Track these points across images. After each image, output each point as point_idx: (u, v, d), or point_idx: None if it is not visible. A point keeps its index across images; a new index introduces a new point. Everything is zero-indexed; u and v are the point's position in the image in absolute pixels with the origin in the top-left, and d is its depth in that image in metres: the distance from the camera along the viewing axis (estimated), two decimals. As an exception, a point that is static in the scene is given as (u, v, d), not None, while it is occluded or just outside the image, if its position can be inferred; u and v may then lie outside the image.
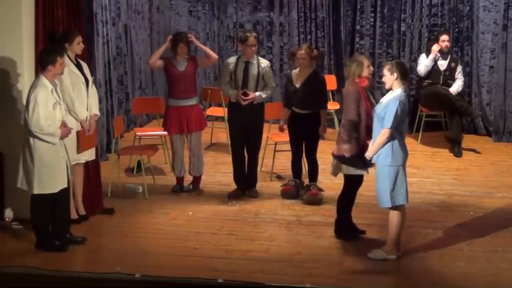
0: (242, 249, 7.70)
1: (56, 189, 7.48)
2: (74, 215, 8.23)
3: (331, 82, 11.65)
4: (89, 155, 8.32)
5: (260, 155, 9.54)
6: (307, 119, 8.95)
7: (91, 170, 8.52)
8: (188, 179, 9.46)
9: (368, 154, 7.36)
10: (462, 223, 8.40)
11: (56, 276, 6.98)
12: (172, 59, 9.21)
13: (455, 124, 11.11)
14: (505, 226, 8.27)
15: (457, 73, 11.38)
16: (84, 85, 8.08)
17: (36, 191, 7.45)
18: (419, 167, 10.28)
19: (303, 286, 6.81)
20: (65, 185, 7.60)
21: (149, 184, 9.32)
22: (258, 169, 9.53)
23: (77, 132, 7.99)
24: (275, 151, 9.97)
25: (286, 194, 9.16)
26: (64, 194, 7.62)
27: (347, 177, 7.82)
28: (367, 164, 7.54)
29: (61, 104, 7.54)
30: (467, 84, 12.00)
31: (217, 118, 11.78)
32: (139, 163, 9.79)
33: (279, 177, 9.84)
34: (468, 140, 11.49)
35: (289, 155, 9.40)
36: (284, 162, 9.89)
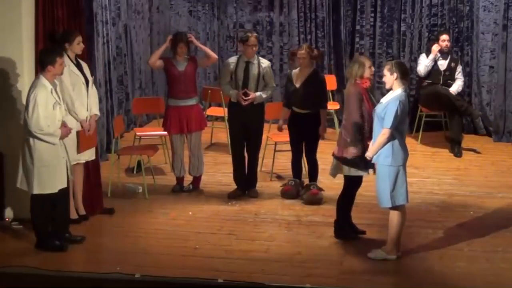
0: (242, 249, 7.69)
1: (55, 189, 7.48)
2: (74, 215, 8.23)
3: (331, 82, 11.65)
4: (89, 155, 8.32)
5: (260, 155, 9.54)
6: (307, 119, 8.96)
7: (91, 170, 8.52)
8: (188, 179, 9.46)
9: (368, 154, 7.36)
10: (462, 223, 8.40)
11: (56, 276, 6.98)
12: (172, 59, 9.21)
13: (455, 124, 11.11)
14: (505, 226, 8.27)
15: (457, 73, 11.38)
16: (84, 85, 8.08)
17: (36, 191, 7.45)
18: (419, 167, 10.28)
19: (303, 286, 6.81)
20: (65, 185, 7.60)
21: (149, 184, 9.32)
22: (258, 169, 9.52)
23: (77, 132, 7.99)
24: (275, 151, 9.97)
25: (286, 194, 9.16)
26: (63, 194, 7.63)
27: (348, 178, 7.81)
28: (368, 165, 7.53)
29: (61, 104, 7.54)
30: (467, 84, 12.00)
31: (217, 118, 11.78)
32: (139, 163, 9.79)
33: (279, 177, 9.84)
34: (468, 140, 11.49)
35: (289, 155, 9.40)
36: (284, 162, 9.89)
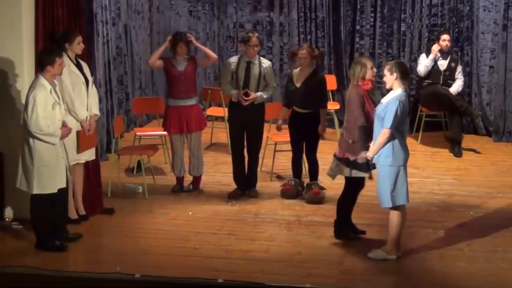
0: (242, 249, 7.69)
1: (55, 189, 7.48)
2: (74, 215, 8.24)
3: (331, 82, 11.65)
4: (89, 155, 8.32)
5: (260, 155, 9.54)
6: (307, 119, 8.96)
7: (91, 170, 8.52)
8: (188, 179, 9.46)
9: (369, 154, 7.36)
10: (462, 223, 8.40)
11: (56, 276, 6.98)
12: (172, 59, 9.21)
13: (455, 124, 11.11)
14: (506, 226, 8.27)
15: (457, 73, 11.37)
16: (84, 85, 8.08)
17: (36, 191, 7.45)
18: (419, 167, 10.27)
19: (303, 286, 6.81)
20: (64, 185, 7.60)
21: (149, 184, 9.32)
22: (258, 169, 9.52)
23: (77, 132, 7.99)
24: (275, 151, 9.96)
25: (286, 193, 9.16)
26: (62, 194, 7.63)
27: (348, 179, 7.81)
28: (370, 166, 7.53)
29: (61, 104, 7.54)
30: (467, 84, 11.99)
31: (217, 118, 11.77)
32: (139, 163, 9.79)
33: (279, 177, 9.84)
34: (468, 140, 11.49)
35: (289, 155, 9.40)
36: (284, 162, 9.89)
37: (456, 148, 11.02)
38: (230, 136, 9.35)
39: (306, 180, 9.25)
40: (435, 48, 11.26)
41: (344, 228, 7.92)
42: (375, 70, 7.84)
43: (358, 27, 12.54)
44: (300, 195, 9.15)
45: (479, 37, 11.89)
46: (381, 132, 7.21)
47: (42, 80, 7.39)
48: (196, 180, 9.45)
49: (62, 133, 7.48)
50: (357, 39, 12.57)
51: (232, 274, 7.04)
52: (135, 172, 9.86)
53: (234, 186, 9.27)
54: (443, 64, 11.32)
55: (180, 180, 9.42)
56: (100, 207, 8.64)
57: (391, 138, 7.20)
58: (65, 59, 7.80)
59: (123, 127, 10.75)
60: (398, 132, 7.22)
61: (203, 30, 13.08)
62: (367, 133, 7.51)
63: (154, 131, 10.49)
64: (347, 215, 7.94)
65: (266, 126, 9.59)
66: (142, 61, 12.30)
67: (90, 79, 8.19)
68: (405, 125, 7.37)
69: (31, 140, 7.37)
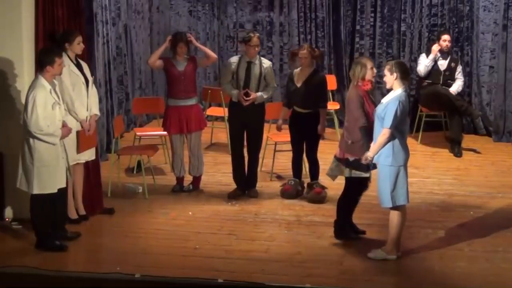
0: (242, 249, 7.69)
1: (55, 189, 7.49)
2: (74, 215, 8.24)
3: (331, 82, 11.64)
4: (89, 155, 8.32)
5: (260, 155, 9.54)
6: (308, 118, 8.96)
7: (91, 170, 8.52)
8: (188, 179, 9.46)
9: (369, 154, 7.35)
10: (462, 223, 8.40)
11: (56, 276, 6.97)
12: (172, 59, 9.21)
13: (455, 124, 11.11)
14: (506, 226, 8.27)
15: (457, 73, 11.37)
16: (84, 85, 8.08)
17: (36, 191, 7.45)
18: (419, 167, 10.27)
19: (303, 286, 6.81)
20: (64, 185, 7.61)
21: (149, 184, 9.32)
22: (258, 169, 9.52)
23: (77, 132, 7.99)
24: (275, 151, 9.96)
25: (286, 193, 9.16)
26: (62, 194, 7.63)
27: (349, 179, 7.81)
28: (369, 166, 7.52)
29: (60, 104, 7.54)
30: (467, 84, 11.99)
31: (217, 118, 11.78)
32: (139, 163, 9.79)
33: (279, 177, 9.84)
34: (468, 140, 11.49)
35: (289, 155, 9.40)
36: (284, 162, 9.89)
37: (456, 148, 11.02)
38: (230, 136, 9.34)
39: (306, 180, 9.25)
40: (435, 48, 11.26)
41: (344, 228, 7.92)
42: (375, 70, 7.84)
43: (358, 27, 12.55)
44: (300, 195, 9.15)
45: (479, 37, 11.89)
46: (381, 132, 7.21)
47: (42, 80, 7.39)
48: (196, 180, 9.45)
49: (62, 133, 7.48)
50: (357, 39, 12.57)
51: (232, 274, 7.04)
52: (135, 172, 9.86)
53: (234, 186, 9.27)
54: (443, 64, 11.32)
55: (180, 180, 9.42)
56: (100, 207, 8.64)
57: (391, 138, 7.20)
58: (65, 59, 7.80)
59: (123, 127, 10.75)
60: (398, 132, 7.22)
61: (203, 30, 13.08)
62: (369, 134, 7.51)
63: (154, 131, 10.49)
64: (348, 215, 7.94)
65: (266, 126, 9.59)
66: (142, 61, 12.30)
67: (90, 79, 8.19)
68: (405, 125, 7.37)
69: (31, 140, 7.37)
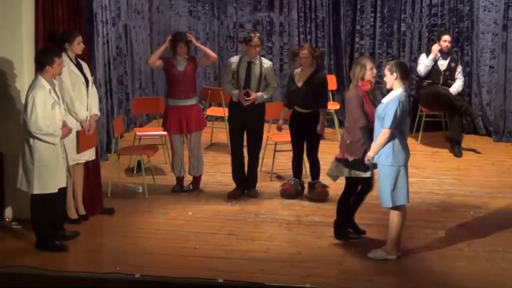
0: (242, 249, 7.69)
1: (55, 189, 7.49)
2: (74, 215, 8.24)
3: (331, 82, 11.63)
4: (89, 155, 8.32)
5: (260, 155, 9.53)
6: (308, 118, 8.96)
7: (91, 170, 8.52)
8: (188, 179, 9.45)
9: (369, 154, 7.35)
10: (462, 223, 8.40)
11: (56, 276, 6.97)
12: (172, 59, 9.21)
13: (455, 124, 11.11)
14: (506, 226, 8.27)
15: (457, 73, 11.37)
16: (84, 85, 8.08)
17: (36, 191, 7.45)
18: (419, 167, 10.27)
19: (303, 286, 6.81)
20: (64, 185, 7.61)
21: (149, 184, 9.32)
22: (258, 169, 9.52)
23: (77, 132, 7.99)
24: (275, 151, 9.96)
25: (285, 193, 9.16)
26: (62, 193, 7.64)
27: (349, 180, 7.81)
28: (369, 166, 7.52)
29: (60, 104, 7.54)
30: (467, 84, 11.99)
31: (217, 118, 11.78)
32: (139, 163, 9.79)
33: (279, 177, 9.84)
34: (468, 140, 11.49)
35: (289, 155, 9.40)
36: (284, 162, 9.89)
37: (456, 148, 11.02)
38: (230, 136, 9.34)
39: (306, 180, 9.25)
40: (435, 48, 11.26)
41: (344, 228, 7.92)
42: (375, 70, 7.83)
43: (358, 27, 12.55)
44: (300, 195, 9.15)
45: (479, 37, 11.89)
46: (381, 132, 7.21)
47: (41, 80, 7.39)
48: (196, 180, 9.45)
49: (62, 133, 7.48)
50: (357, 39, 12.57)
51: (232, 274, 7.04)
52: (135, 172, 9.86)
53: (234, 186, 9.26)
54: (443, 64, 11.32)
55: (180, 180, 9.42)
56: (100, 207, 8.64)
57: (391, 138, 7.20)
58: (65, 59, 7.80)
59: (123, 127, 10.75)
60: (398, 132, 7.22)
61: (203, 30, 13.08)
62: (369, 134, 7.51)
63: (154, 131, 10.49)
64: (350, 215, 7.94)
65: (266, 126, 9.59)
66: (142, 61, 12.30)
67: (90, 79, 8.19)
68: (405, 125, 7.37)
69: (31, 140, 7.37)
